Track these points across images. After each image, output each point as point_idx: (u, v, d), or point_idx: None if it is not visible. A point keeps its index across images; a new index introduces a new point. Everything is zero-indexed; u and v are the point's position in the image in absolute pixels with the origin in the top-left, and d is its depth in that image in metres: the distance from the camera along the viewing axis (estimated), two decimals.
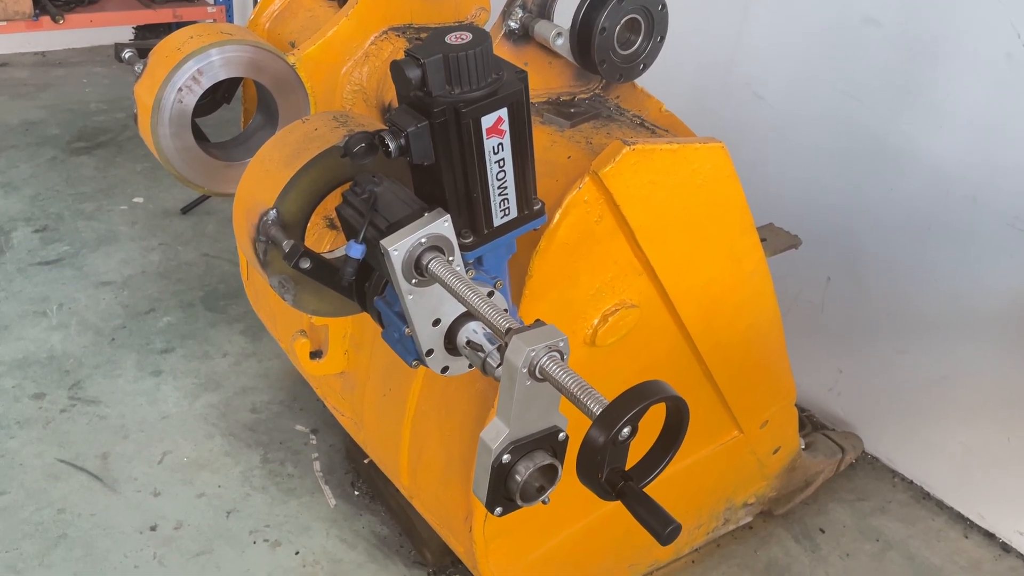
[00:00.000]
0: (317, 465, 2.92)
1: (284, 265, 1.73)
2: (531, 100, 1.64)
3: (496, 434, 1.26)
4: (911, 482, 3.14)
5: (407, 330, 1.53)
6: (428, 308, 1.48)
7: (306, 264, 1.62)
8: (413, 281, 1.43)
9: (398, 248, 1.38)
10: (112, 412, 3.09)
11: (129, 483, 2.82)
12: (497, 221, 1.49)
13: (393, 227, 1.41)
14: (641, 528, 1.15)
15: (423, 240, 1.40)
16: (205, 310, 3.64)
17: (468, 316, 1.54)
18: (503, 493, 1.31)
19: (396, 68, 1.34)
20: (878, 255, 3.06)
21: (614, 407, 1.06)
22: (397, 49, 2.29)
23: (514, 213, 1.50)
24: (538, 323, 1.25)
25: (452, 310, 1.52)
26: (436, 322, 1.51)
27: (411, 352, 1.56)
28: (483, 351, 1.47)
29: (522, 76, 1.40)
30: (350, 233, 1.52)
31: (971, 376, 2.90)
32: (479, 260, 1.54)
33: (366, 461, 2.81)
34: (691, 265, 1.98)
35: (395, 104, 2.28)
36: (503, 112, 1.37)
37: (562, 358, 1.22)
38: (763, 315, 2.28)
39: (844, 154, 3.05)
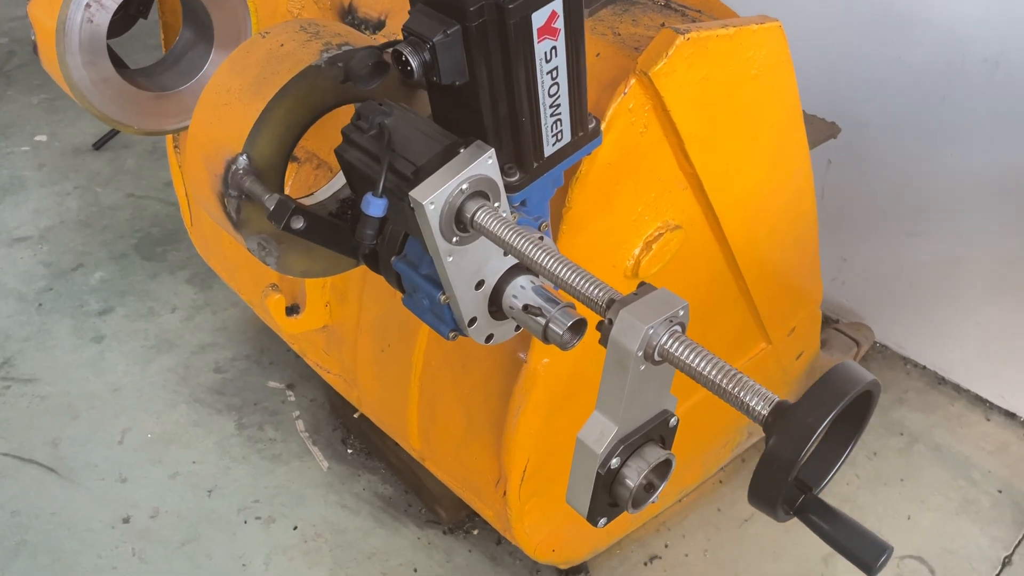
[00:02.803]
0: (300, 425, 2.61)
1: (265, 223, 1.38)
2: None
3: (600, 434, 0.97)
4: (924, 368, 3.00)
5: (442, 297, 1.21)
6: (470, 269, 1.16)
7: (299, 224, 1.27)
8: (454, 240, 1.10)
9: (434, 200, 1.05)
10: (54, 390, 2.71)
11: (89, 471, 2.47)
12: (548, 150, 1.16)
13: (422, 172, 1.07)
14: None
15: (464, 186, 1.07)
16: (141, 260, 3.22)
17: (517, 271, 1.23)
18: (608, 501, 1.04)
19: None
20: (885, 132, 2.81)
21: (804, 411, 0.77)
22: None
23: (567, 137, 1.17)
24: (644, 288, 0.95)
25: (497, 267, 1.20)
26: (479, 284, 1.20)
27: (447, 322, 1.25)
28: (544, 315, 1.17)
29: None
30: (360, 183, 1.17)
31: (987, 255, 2.73)
32: (522, 202, 1.22)
33: (356, 415, 2.52)
34: (738, 171, 1.69)
35: (356, 5, 1.88)
36: (557, 4, 1.03)
37: (683, 331, 0.93)
38: (803, 218, 2.02)
39: (844, 20, 2.75)
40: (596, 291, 0.97)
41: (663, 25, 1.44)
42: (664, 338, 0.90)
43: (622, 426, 0.97)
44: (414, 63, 1.01)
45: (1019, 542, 2.46)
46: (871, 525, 2.50)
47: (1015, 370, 2.82)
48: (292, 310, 2.12)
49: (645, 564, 2.33)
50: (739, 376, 0.87)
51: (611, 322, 0.92)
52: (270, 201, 1.26)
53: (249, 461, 2.51)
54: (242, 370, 2.79)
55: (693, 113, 1.48)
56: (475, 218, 1.07)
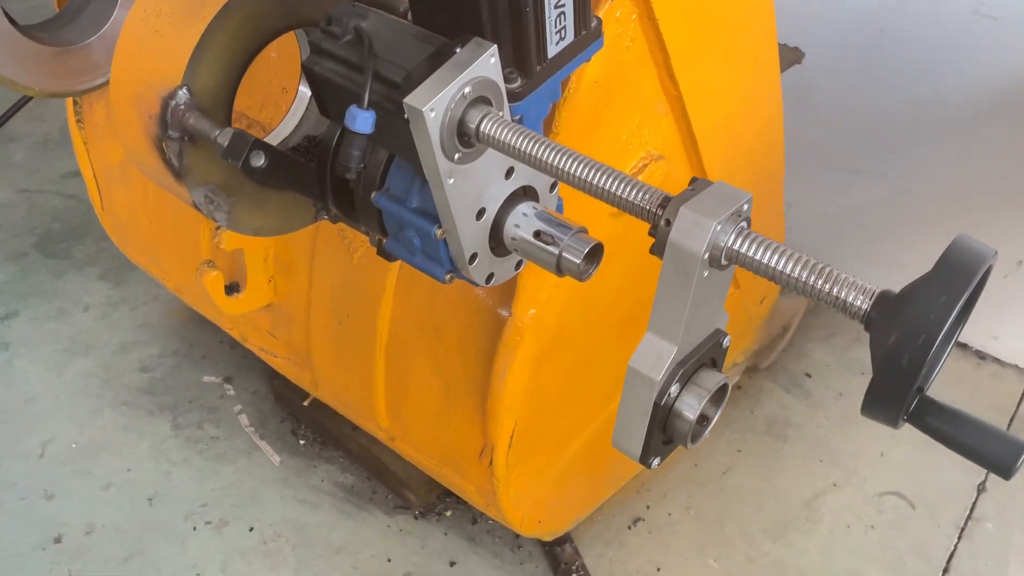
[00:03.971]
0: (244, 419, 2.40)
1: (212, 171, 1.20)
2: None
3: (656, 358, 0.84)
4: None
5: (439, 231, 1.05)
6: (472, 194, 1.01)
7: (260, 161, 1.09)
8: (456, 156, 0.94)
9: (434, 106, 0.89)
10: None
11: (8, 491, 2.21)
12: (552, 50, 1.01)
13: (414, 76, 0.91)
14: None
15: (467, 91, 0.91)
16: (44, 258, 2.92)
17: (517, 197, 1.08)
18: (662, 438, 0.90)
19: None
20: (823, 69, 2.76)
21: (926, 299, 0.65)
22: None
23: (570, 36, 1.03)
24: (698, 183, 0.81)
25: (498, 193, 1.06)
26: (480, 213, 1.04)
27: (443, 262, 1.10)
28: (556, 243, 1.03)
29: None
30: (336, 100, 1.00)
31: (931, 186, 2.73)
32: (519, 118, 1.07)
33: (306, 403, 2.32)
34: (719, 94, 1.58)
35: None
36: None
37: (748, 227, 0.81)
38: (773, 149, 1.93)
39: None
40: (644, 194, 0.83)
41: None
42: (732, 236, 0.77)
43: (680, 347, 0.84)
44: None
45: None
46: (846, 465, 2.46)
47: None
48: (232, 289, 1.91)
49: (629, 528, 2.22)
50: (828, 270, 0.74)
51: (668, 223, 0.78)
52: (223, 136, 1.08)
53: (191, 463, 2.28)
54: (172, 367, 2.54)
55: (680, 25, 1.36)
56: (481, 128, 0.92)
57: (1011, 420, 2.62)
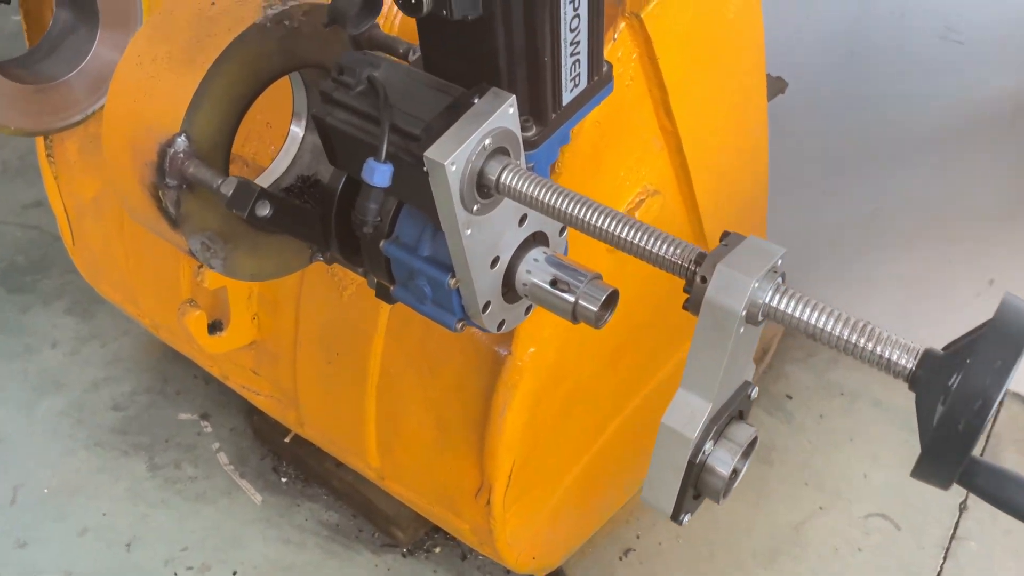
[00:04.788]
0: (223, 457, 2.34)
1: (210, 218, 1.16)
2: None
3: (690, 415, 0.82)
4: None
5: (452, 281, 1.03)
6: (487, 244, 0.99)
7: (266, 210, 1.06)
8: (475, 208, 0.92)
9: (455, 159, 0.87)
10: None
11: None
12: (567, 98, 1.00)
13: (433, 128, 0.89)
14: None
15: (487, 142, 0.89)
16: (7, 293, 2.83)
17: (529, 243, 1.06)
18: (694, 494, 0.89)
19: None
20: (795, 92, 2.80)
21: (981, 361, 0.65)
22: None
23: (584, 83, 1.01)
24: (731, 237, 0.80)
25: (512, 240, 1.04)
26: (495, 262, 1.02)
27: (454, 311, 1.07)
28: (572, 290, 1.01)
29: None
30: (349, 151, 0.97)
31: (903, 206, 2.77)
32: (529, 165, 1.05)
33: (287, 439, 2.27)
34: (711, 127, 1.59)
35: None
36: None
37: (783, 282, 0.80)
38: (758, 176, 1.94)
39: None
40: (678, 249, 0.82)
41: None
42: (770, 293, 0.76)
43: (716, 403, 0.82)
44: None
45: None
46: (831, 488, 2.47)
47: (935, 316, 2.87)
48: (214, 327, 1.86)
49: (620, 559, 2.21)
50: (870, 327, 0.74)
51: (704, 280, 0.77)
52: (226, 186, 1.04)
53: (169, 505, 2.22)
54: (146, 404, 2.47)
55: (678, 62, 1.35)
56: (502, 179, 0.90)
57: (987, 438, 2.66)
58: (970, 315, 2.68)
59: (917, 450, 0.74)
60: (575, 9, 0.93)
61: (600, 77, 1.04)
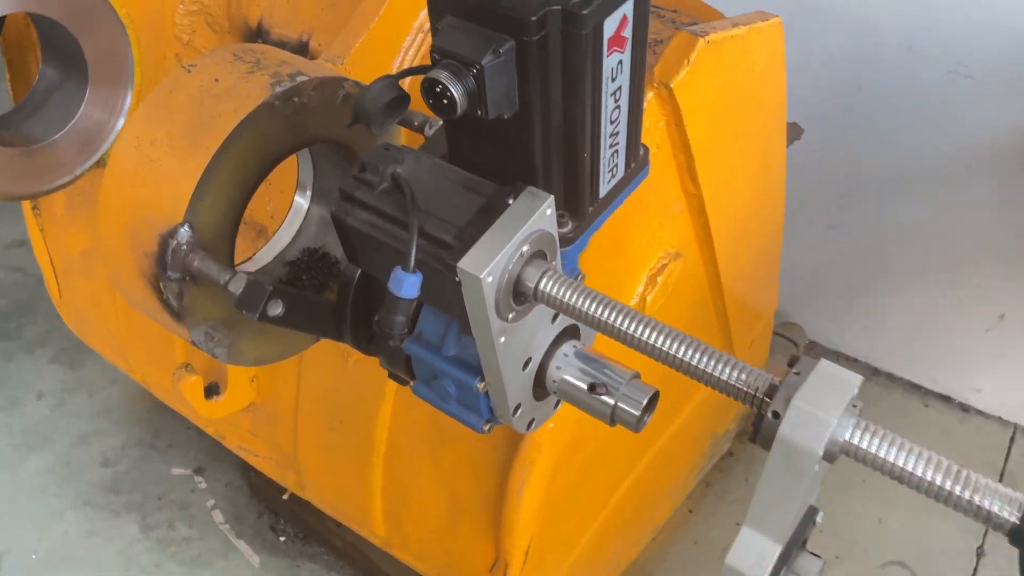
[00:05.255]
0: (218, 515, 2.24)
1: (214, 308, 1.08)
2: None
3: (758, 556, 0.75)
4: (856, 360, 2.97)
5: (480, 384, 0.95)
6: (520, 347, 0.92)
7: (278, 310, 0.98)
8: (511, 316, 0.85)
9: (492, 271, 0.79)
10: None
11: None
12: (604, 189, 0.93)
13: (467, 234, 0.82)
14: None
15: (524, 248, 0.82)
16: None
17: (560, 339, 0.99)
18: None
19: None
20: (802, 125, 2.75)
21: None
22: None
23: (621, 172, 0.94)
24: (803, 363, 0.73)
25: (544, 339, 0.96)
26: (527, 363, 0.95)
27: (481, 412, 1.00)
28: (612, 393, 0.94)
29: None
30: (371, 253, 0.90)
31: (913, 240, 2.72)
32: None
33: (285, 496, 2.18)
34: (734, 186, 1.52)
35: (268, 26, 1.58)
36: (628, 6, 0.80)
37: (859, 411, 0.73)
38: (774, 227, 1.88)
39: (747, 9, 2.67)
40: (746, 376, 0.75)
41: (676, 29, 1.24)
42: (851, 430, 0.69)
43: (783, 543, 0.75)
44: (457, 93, 0.76)
45: (987, 530, 2.43)
46: (845, 533, 2.41)
47: (944, 351, 2.82)
48: (211, 391, 1.78)
49: None
50: (966, 473, 0.67)
51: (777, 415, 0.70)
52: (235, 283, 0.96)
53: (163, 569, 2.12)
54: (136, 459, 2.38)
55: (705, 127, 1.29)
56: (540, 287, 0.83)
57: (1001, 477, 2.61)
58: (981, 350, 2.63)
59: None
60: (616, 101, 0.86)
61: (636, 163, 0.97)
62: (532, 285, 0.83)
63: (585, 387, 0.95)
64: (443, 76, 0.76)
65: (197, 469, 2.35)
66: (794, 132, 1.90)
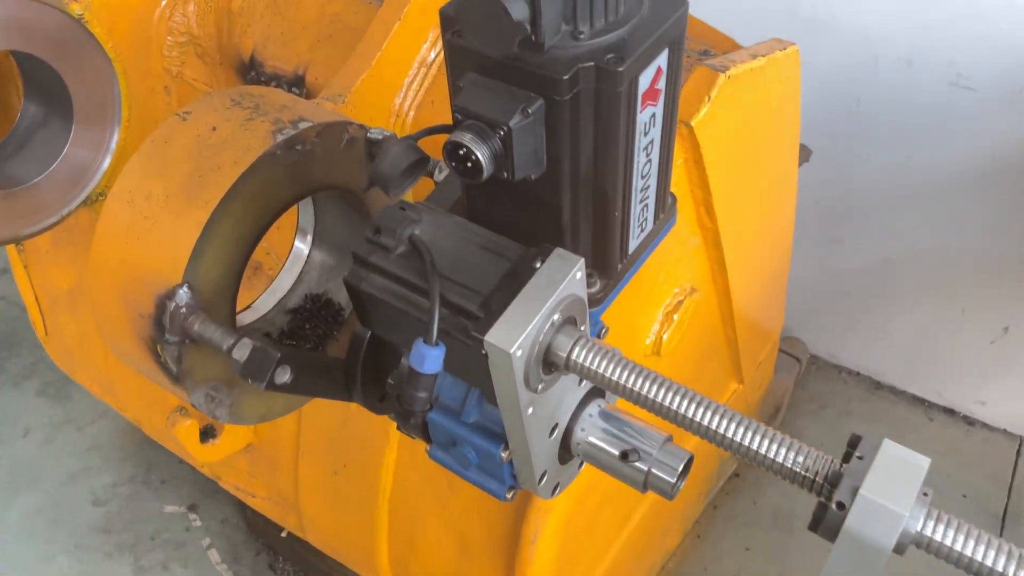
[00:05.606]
0: (215, 555, 2.18)
1: (215, 369, 1.02)
2: None
3: None
4: (859, 374, 2.94)
5: (504, 454, 0.90)
6: (547, 415, 0.86)
7: (286, 377, 0.92)
8: (540, 387, 0.79)
9: (522, 345, 0.74)
10: None
11: None
12: (633, 244, 0.87)
13: (493, 303, 0.76)
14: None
15: (555, 317, 0.76)
16: None
17: (588, 398, 0.93)
18: None
19: (468, 6, 0.66)
20: (804, 141, 2.72)
21: None
22: None
23: (650, 224, 0.89)
24: (864, 444, 0.68)
25: (571, 402, 0.91)
26: (553, 429, 0.89)
27: (504, 480, 0.94)
28: (645, 459, 0.89)
29: None
30: (387, 320, 0.84)
31: (914, 253, 2.69)
32: None
33: (284, 534, 2.12)
34: (748, 218, 1.47)
35: (261, 58, 1.52)
36: (663, 58, 0.75)
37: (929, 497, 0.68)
38: (784, 251, 1.84)
39: (746, 22, 2.63)
40: (806, 460, 0.70)
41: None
42: (922, 521, 0.64)
43: None
44: (483, 157, 0.70)
45: None
46: None
47: (947, 364, 2.79)
48: (207, 434, 1.71)
49: None
50: None
51: (842, 506, 0.65)
52: (240, 349, 0.90)
53: None
54: (128, 496, 2.30)
55: (723, 161, 1.24)
56: (572, 357, 0.77)
57: (1009, 491, 2.57)
58: (985, 362, 2.59)
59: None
60: (648, 155, 0.80)
61: (665, 213, 0.92)
62: (563, 355, 0.78)
63: (617, 454, 0.89)
64: (467, 138, 0.70)
65: (191, 506, 2.28)
66: (803, 155, 1.85)
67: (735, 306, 1.65)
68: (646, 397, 0.75)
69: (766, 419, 2.60)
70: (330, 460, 1.63)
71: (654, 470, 0.89)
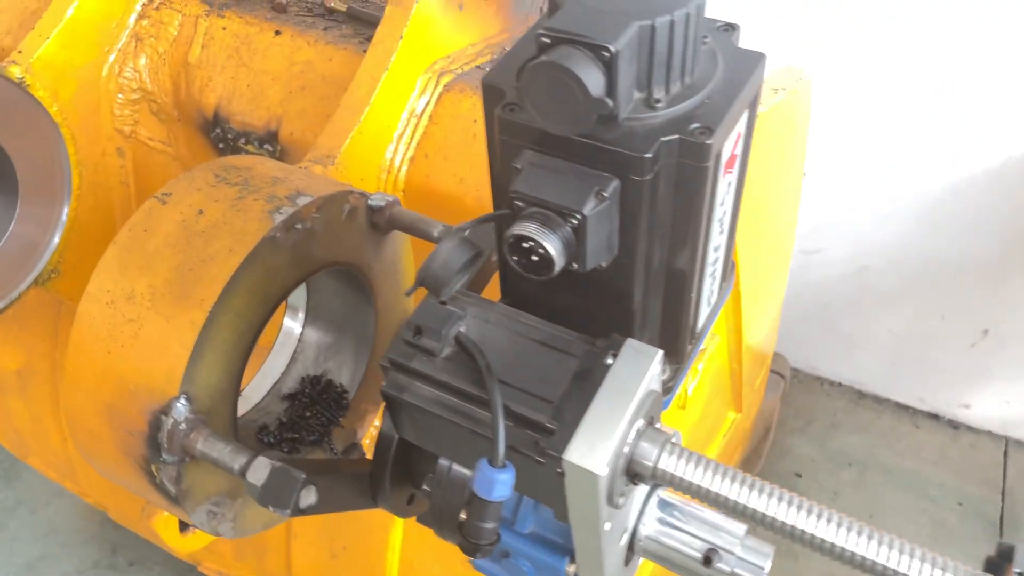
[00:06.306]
0: None
1: (217, 483, 0.89)
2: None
3: None
4: (840, 385, 2.90)
5: (571, 568, 0.79)
6: (621, 525, 0.76)
7: (311, 499, 0.79)
8: (621, 500, 0.69)
9: (608, 462, 0.63)
10: None
11: None
12: (701, 322, 0.78)
13: (566, 413, 0.65)
14: None
15: (639, 424, 0.66)
16: None
17: (652, 491, 0.83)
18: None
19: (535, 80, 0.56)
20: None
21: None
22: (192, 18, 1.37)
23: (715, 296, 0.79)
24: (1019, 551, 0.59)
25: (639, 503, 0.81)
26: (622, 534, 0.79)
27: None
28: (727, 561, 0.79)
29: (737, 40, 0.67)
30: (440, 432, 0.72)
31: (891, 260, 2.67)
32: None
33: None
34: (762, 250, 1.40)
35: (227, 113, 1.38)
36: (742, 124, 0.65)
37: None
38: (782, 275, 1.77)
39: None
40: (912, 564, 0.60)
41: None
42: None
43: None
44: (553, 251, 0.60)
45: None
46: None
47: (929, 370, 2.78)
48: (187, 524, 1.56)
49: None
50: None
51: None
52: (256, 471, 0.77)
53: None
54: None
55: (747, 203, 1.15)
56: (659, 466, 0.67)
57: (1003, 495, 2.56)
58: (967, 366, 2.57)
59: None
60: (721, 227, 0.71)
61: (727, 281, 0.82)
62: (650, 464, 0.67)
63: (700, 557, 0.79)
64: (532, 229, 0.60)
65: None
66: None
67: (744, 341, 1.58)
68: (753, 511, 0.65)
69: (758, 439, 2.54)
70: (327, 542, 1.50)
71: (738, 570, 0.79)
